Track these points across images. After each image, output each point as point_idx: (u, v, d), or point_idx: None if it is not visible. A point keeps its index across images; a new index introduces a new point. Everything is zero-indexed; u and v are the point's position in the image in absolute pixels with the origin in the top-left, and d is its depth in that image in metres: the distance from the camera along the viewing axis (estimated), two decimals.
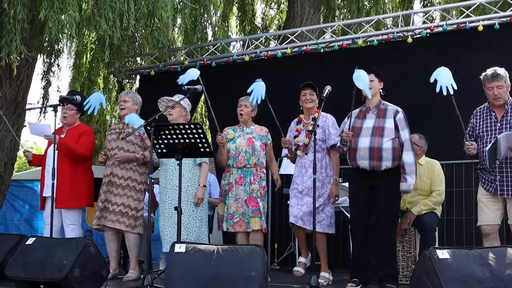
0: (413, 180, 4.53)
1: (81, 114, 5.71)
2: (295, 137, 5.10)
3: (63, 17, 5.45)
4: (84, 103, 5.07)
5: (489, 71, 4.51)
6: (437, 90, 4.18)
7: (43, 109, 7.67)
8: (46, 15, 5.42)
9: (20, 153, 5.58)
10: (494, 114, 4.51)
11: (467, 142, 4.45)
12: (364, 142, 4.51)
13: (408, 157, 4.51)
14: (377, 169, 4.49)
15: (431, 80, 4.23)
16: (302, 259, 5.06)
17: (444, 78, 4.20)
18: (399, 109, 4.62)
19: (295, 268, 5.00)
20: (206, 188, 5.26)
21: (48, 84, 8.02)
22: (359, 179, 4.62)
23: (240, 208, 5.08)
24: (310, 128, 4.91)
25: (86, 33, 6.85)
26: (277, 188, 5.27)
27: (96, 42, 7.79)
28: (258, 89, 4.62)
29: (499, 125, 4.45)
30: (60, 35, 5.62)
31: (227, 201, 5.17)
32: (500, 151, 4.25)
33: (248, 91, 4.66)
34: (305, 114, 5.13)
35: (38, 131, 5.57)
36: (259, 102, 4.66)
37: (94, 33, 6.01)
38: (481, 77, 4.56)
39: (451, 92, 4.16)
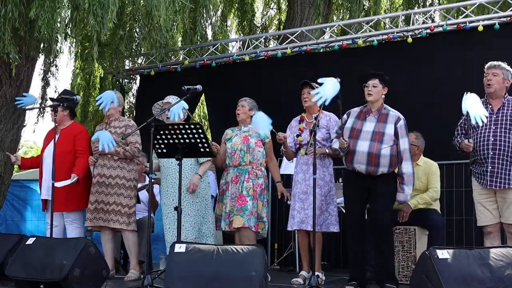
0: (410, 191, 4.52)
1: (74, 115, 5.71)
2: (298, 135, 5.08)
3: (54, 16, 5.42)
4: (96, 99, 5.07)
5: (493, 62, 4.54)
6: (473, 122, 4.13)
7: (42, 109, 7.65)
8: (36, 14, 5.41)
9: (19, 153, 5.57)
10: (490, 106, 4.51)
11: (466, 141, 4.44)
12: (363, 146, 4.46)
13: (407, 167, 4.48)
14: (373, 174, 4.46)
15: (463, 112, 4.17)
16: (303, 273, 4.99)
17: (475, 109, 4.12)
18: (401, 116, 4.55)
19: (295, 279, 4.94)
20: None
21: (47, 84, 8.01)
22: (354, 181, 4.59)
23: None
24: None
25: (78, 32, 6.79)
26: (281, 196, 5.19)
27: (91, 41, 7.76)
28: (264, 121, 4.54)
29: (494, 116, 4.45)
30: (49, 34, 5.58)
31: (224, 200, 5.16)
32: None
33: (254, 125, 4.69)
34: (307, 113, 5.12)
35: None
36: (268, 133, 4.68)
37: (88, 32, 5.96)
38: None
39: (485, 121, 4.12)
